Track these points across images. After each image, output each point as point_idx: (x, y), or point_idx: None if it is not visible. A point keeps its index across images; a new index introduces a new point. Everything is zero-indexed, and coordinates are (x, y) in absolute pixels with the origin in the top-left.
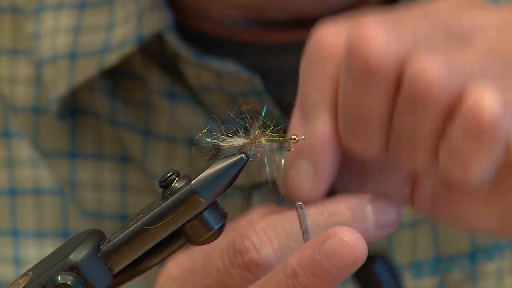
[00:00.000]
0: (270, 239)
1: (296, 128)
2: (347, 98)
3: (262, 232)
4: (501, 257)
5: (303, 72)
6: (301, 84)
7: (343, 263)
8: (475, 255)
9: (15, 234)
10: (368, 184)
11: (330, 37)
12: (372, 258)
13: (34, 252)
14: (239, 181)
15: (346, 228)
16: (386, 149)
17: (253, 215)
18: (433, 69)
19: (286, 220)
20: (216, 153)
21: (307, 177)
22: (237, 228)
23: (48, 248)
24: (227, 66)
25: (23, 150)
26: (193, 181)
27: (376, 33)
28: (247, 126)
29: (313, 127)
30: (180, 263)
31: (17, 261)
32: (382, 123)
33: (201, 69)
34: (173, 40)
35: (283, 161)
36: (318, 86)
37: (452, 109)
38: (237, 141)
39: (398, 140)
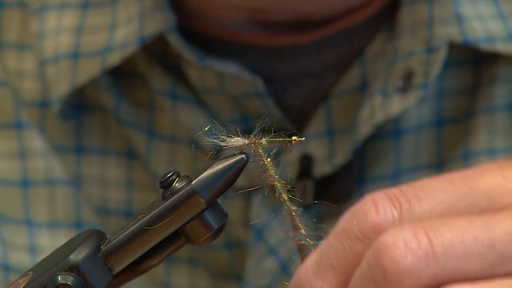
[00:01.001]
0: None
1: (307, 270)
2: (357, 286)
3: None
4: None
5: (339, 230)
6: (331, 237)
7: None
8: None
9: (29, 223)
10: None
11: (379, 221)
12: None
13: (48, 242)
14: (240, 182)
15: None
16: None
17: None
18: None
19: None
20: (217, 153)
21: None
22: None
23: (62, 238)
24: (230, 68)
25: (35, 141)
26: (193, 182)
27: (406, 247)
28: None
29: (318, 281)
30: None
31: (32, 249)
32: None
33: (204, 71)
34: (175, 42)
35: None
36: (345, 255)
37: None
38: (238, 141)
39: None
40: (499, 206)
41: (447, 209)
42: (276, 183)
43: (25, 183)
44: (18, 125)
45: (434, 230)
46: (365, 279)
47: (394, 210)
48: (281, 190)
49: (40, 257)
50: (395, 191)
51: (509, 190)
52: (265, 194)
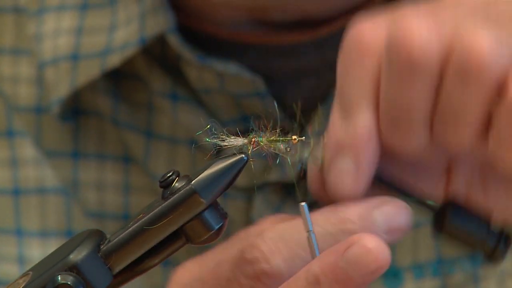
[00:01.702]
0: (279, 248)
1: (337, 126)
2: (391, 94)
3: (271, 241)
4: None
5: (341, 68)
6: (339, 81)
7: (367, 270)
8: (477, 256)
9: (19, 233)
10: (402, 179)
11: (368, 31)
12: (444, 208)
13: (38, 251)
14: (241, 182)
15: (369, 235)
16: (428, 144)
17: (263, 223)
18: (484, 42)
19: (295, 229)
20: (217, 153)
21: (348, 174)
22: (246, 237)
23: (52, 247)
24: (230, 68)
25: (27, 149)
26: (193, 181)
27: (417, 26)
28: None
29: (354, 124)
30: (190, 271)
31: (21, 260)
32: (427, 116)
33: (203, 71)
34: (175, 42)
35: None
36: (358, 81)
37: (501, 88)
38: (237, 141)
39: (444, 118)
40: None
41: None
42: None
43: (17, 192)
44: (10, 133)
45: (438, 14)
46: (394, 78)
47: (378, 21)
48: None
49: (29, 268)
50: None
51: None
52: (267, 193)
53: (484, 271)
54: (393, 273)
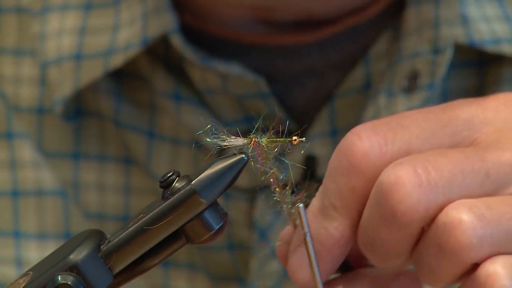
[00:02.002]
0: None
1: (314, 214)
2: (370, 227)
3: None
4: None
5: (330, 170)
6: (326, 180)
7: None
8: None
9: (17, 235)
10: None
11: (365, 148)
12: None
13: (36, 254)
14: (243, 183)
15: None
16: (403, 264)
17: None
18: (463, 227)
19: None
20: (218, 153)
21: (304, 268)
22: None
23: (50, 249)
24: (232, 69)
25: (26, 151)
26: (193, 181)
27: (410, 183)
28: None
29: (327, 226)
30: None
31: (19, 262)
32: (403, 253)
33: (206, 71)
34: (178, 43)
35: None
36: (342, 193)
37: (474, 267)
38: (238, 141)
39: (421, 268)
40: (479, 135)
41: (431, 136)
42: (274, 184)
43: (15, 194)
44: (9, 135)
45: (433, 163)
46: (375, 217)
47: (379, 137)
48: (277, 189)
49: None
50: (376, 122)
51: (487, 119)
52: (269, 193)
53: None
54: None
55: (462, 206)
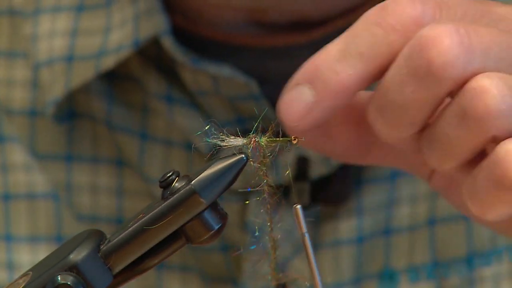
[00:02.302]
0: None
1: (329, 55)
2: (393, 85)
3: None
4: (498, 262)
5: (367, 19)
6: (357, 27)
7: None
8: (472, 259)
9: (8, 239)
10: (382, 159)
11: (416, 14)
12: None
13: (28, 257)
14: (236, 185)
15: None
16: (413, 141)
17: None
18: (493, 92)
19: None
20: (216, 153)
21: (302, 102)
22: None
23: (42, 253)
24: (223, 71)
25: (17, 154)
26: (193, 181)
27: (452, 40)
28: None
29: (342, 67)
30: None
31: (10, 266)
32: (420, 120)
33: (198, 73)
34: (169, 45)
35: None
36: (376, 44)
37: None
38: (237, 141)
39: (434, 142)
40: None
41: (472, 21)
42: (265, 185)
43: (6, 197)
44: (0, 139)
45: (475, 30)
46: (404, 72)
47: (428, 7)
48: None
49: (18, 274)
50: None
51: None
52: (262, 195)
53: (479, 273)
54: (388, 275)
55: (495, 75)
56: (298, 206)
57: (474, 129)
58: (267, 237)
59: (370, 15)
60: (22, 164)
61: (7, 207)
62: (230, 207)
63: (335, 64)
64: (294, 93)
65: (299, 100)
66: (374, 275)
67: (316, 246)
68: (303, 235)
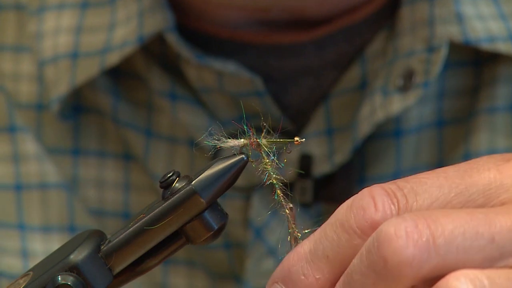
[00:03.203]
0: None
1: (300, 256)
2: (354, 278)
3: None
4: None
5: (336, 221)
6: (327, 228)
7: None
8: None
9: (22, 227)
10: None
11: (377, 217)
12: None
13: (41, 246)
14: (239, 182)
15: None
16: None
17: None
18: None
19: None
20: (217, 153)
21: None
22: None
23: (55, 242)
24: (228, 67)
25: (29, 145)
26: (193, 182)
27: (407, 239)
28: (249, 128)
29: (310, 271)
30: None
31: (24, 254)
32: None
33: (202, 70)
34: (174, 41)
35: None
36: (341, 249)
37: None
38: (238, 142)
39: None
40: (495, 202)
41: (443, 205)
42: (274, 181)
43: (19, 187)
44: (11, 129)
45: (435, 221)
46: (363, 267)
47: (392, 206)
48: (278, 189)
49: (32, 262)
50: (392, 186)
51: (505, 186)
52: (265, 192)
53: None
54: None
55: (464, 277)
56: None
57: None
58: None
59: (338, 214)
60: (33, 154)
61: (20, 197)
62: (233, 204)
63: (303, 267)
64: None
65: None
66: None
67: None
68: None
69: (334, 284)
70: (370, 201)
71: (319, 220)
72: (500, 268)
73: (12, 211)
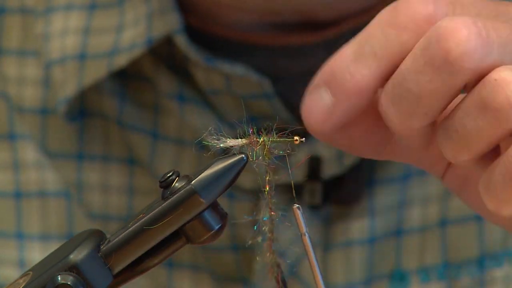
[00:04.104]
0: None
1: (344, 57)
2: (407, 76)
3: None
4: (509, 263)
5: (381, 20)
6: (371, 28)
7: None
8: (483, 261)
9: (20, 236)
10: (398, 154)
11: (428, 13)
12: None
13: (39, 255)
14: (247, 183)
15: None
16: (423, 135)
17: None
18: None
19: None
20: (220, 153)
21: (321, 106)
22: None
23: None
24: (237, 69)
25: (29, 152)
26: (193, 181)
27: (470, 31)
28: (250, 128)
29: (357, 68)
30: None
31: (22, 264)
32: (434, 110)
33: (211, 72)
34: (182, 43)
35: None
36: (389, 43)
37: None
38: (238, 141)
39: (451, 134)
40: None
41: (487, 18)
42: (266, 178)
43: (18, 195)
44: (12, 137)
45: (493, 24)
46: (419, 64)
47: (440, 5)
48: (268, 191)
49: None
50: None
51: None
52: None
53: (491, 275)
54: (399, 276)
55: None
56: (297, 206)
57: (493, 121)
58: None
59: (383, 15)
60: (33, 162)
61: (19, 205)
62: (241, 206)
63: (349, 66)
64: (313, 96)
65: (318, 104)
66: (385, 276)
67: (328, 246)
68: (302, 235)
69: (383, 83)
70: (420, 1)
71: (327, 223)
72: None
73: (11, 219)
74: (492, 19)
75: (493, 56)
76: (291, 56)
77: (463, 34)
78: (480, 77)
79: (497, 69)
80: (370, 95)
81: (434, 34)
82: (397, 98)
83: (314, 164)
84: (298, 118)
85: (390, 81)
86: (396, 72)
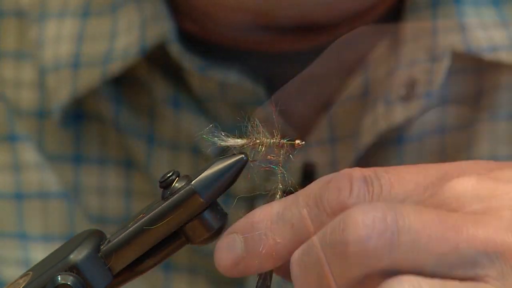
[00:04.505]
0: None
1: (266, 215)
2: (312, 251)
3: None
4: None
5: (310, 194)
6: (300, 197)
7: None
8: None
9: (22, 237)
10: None
11: (351, 201)
12: None
13: (42, 255)
14: (242, 190)
15: None
16: None
17: None
18: None
19: None
20: (218, 154)
21: (232, 253)
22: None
23: None
24: (231, 77)
25: (29, 154)
26: (193, 181)
27: (374, 229)
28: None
29: (273, 232)
30: None
31: (25, 264)
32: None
33: (205, 79)
34: (176, 52)
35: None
36: (307, 217)
37: None
38: (238, 141)
39: None
40: (467, 211)
41: (416, 203)
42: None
43: (19, 196)
44: (12, 138)
45: (405, 216)
46: (324, 244)
47: (367, 194)
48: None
49: None
50: (371, 173)
51: (480, 197)
52: (268, 199)
53: None
54: None
55: (408, 284)
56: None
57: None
58: None
59: (315, 188)
60: (34, 163)
61: (20, 206)
62: (236, 212)
63: (267, 227)
64: (228, 241)
65: (230, 250)
66: None
67: None
68: None
69: (290, 252)
70: (347, 184)
71: None
72: (451, 279)
73: (13, 220)
74: (421, 202)
75: (396, 255)
76: (285, 62)
77: (365, 231)
78: (384, 271)
79: (391, 281)
80: (280, 260)
81: (342, 221)
82: (305, 266)
83: (308, 170)
84: (292, 124)
85: (300, 248)
86: (306, 242)
